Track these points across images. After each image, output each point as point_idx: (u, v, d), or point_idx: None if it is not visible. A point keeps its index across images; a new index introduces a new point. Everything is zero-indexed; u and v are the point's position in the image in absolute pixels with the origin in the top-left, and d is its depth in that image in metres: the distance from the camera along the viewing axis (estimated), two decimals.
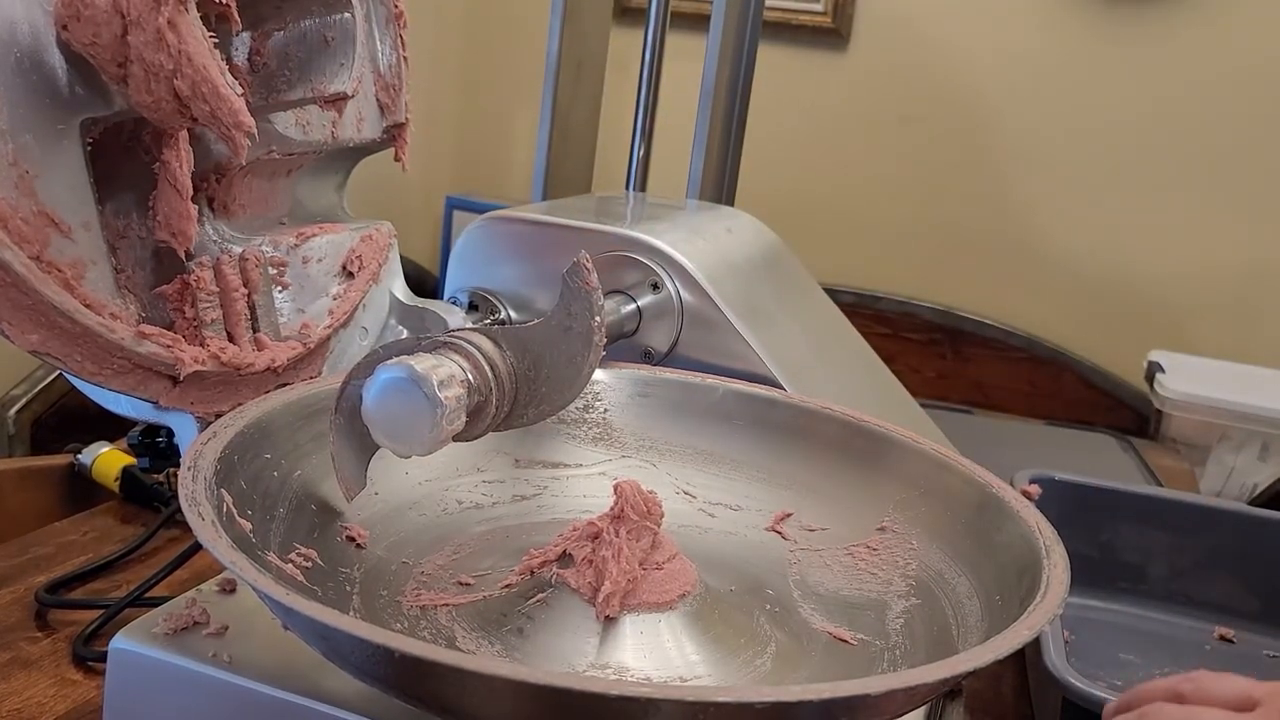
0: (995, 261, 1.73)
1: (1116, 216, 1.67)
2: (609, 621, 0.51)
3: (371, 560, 0.57)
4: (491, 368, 0.54)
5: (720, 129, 1.19)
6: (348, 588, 0.54)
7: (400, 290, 0.74)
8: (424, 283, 1.76)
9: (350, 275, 0.69)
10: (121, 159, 0.58)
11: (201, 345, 0.57)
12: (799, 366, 0.80)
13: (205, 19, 0.51)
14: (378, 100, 0.70)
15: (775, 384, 0.76)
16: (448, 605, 0.54)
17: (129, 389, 0.55)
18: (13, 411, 1.17)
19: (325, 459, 0.57)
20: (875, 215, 1.78)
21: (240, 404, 0.58)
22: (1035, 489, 0.73)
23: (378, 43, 0.68)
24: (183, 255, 0.57)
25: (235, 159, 0.52)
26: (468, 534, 0.62)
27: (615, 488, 0.56)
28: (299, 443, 0.58)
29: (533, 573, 0.55)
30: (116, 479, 0.88)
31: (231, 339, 0.59)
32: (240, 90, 0.51)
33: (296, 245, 0.66)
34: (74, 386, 0.57)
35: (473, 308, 0.85)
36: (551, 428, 0.69)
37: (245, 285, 0.60)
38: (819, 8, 1.78)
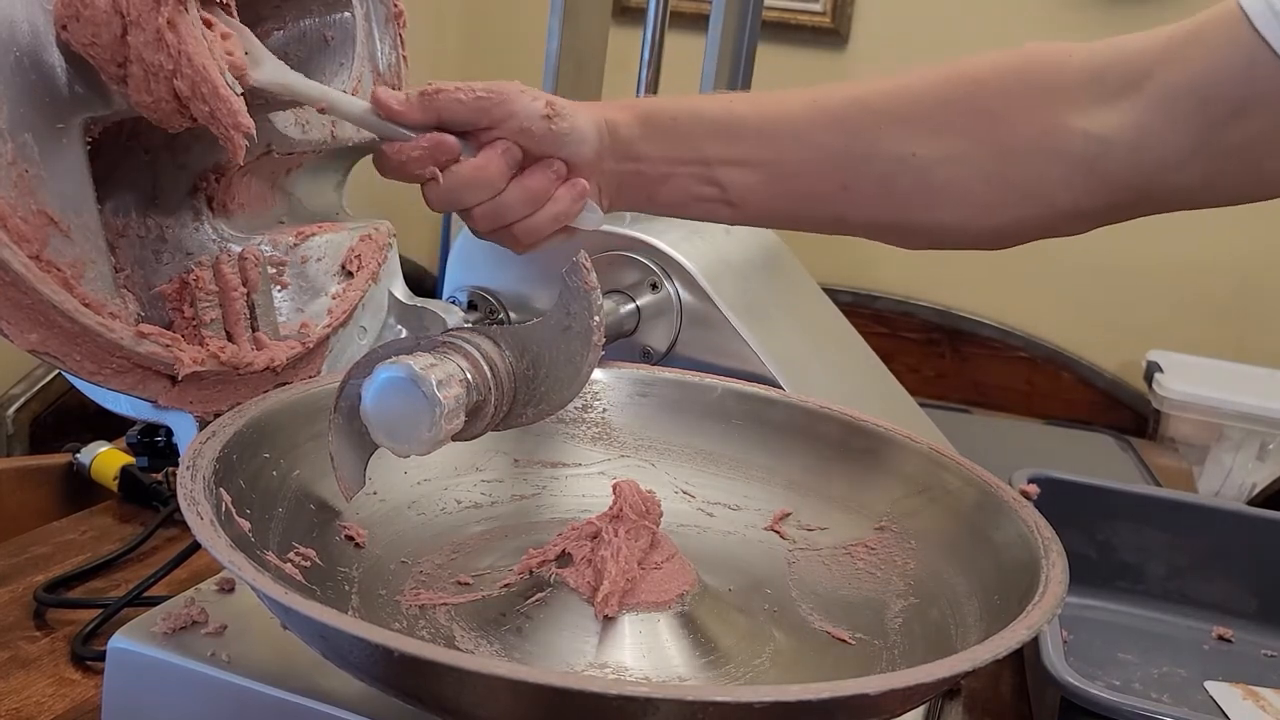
0: (993, 261, 1.73)
1: None
2: (608, 621, 0.51)
3: (370, 559, 0.57)
4: (490, 367, 0.54)
5: None
6: (346, 587, 0.54)
7: (399, 289, 0.74)
8: (423, 282, 1.76)
9: (349, 274, 0.69)
10: (121, 158, 0.58)
11: (200, 344, 0.57)
12: (797, 366, 0.81)
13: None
14: None
15: (774, 383, 0.76)
16: (446, 604, 0.54)
17: (128, 388, 0.55)
18: (11, 411, 1.17)
19: (324, 458, 0.57)
20: None
21: (239, 403, 0.58)
22: (1034, 488, 0.73)
23: (377, 42, 0.68)
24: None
25: (233, 159, 0.52)
26: (466, 533, 0.62)
27: (614, 487, 0.56)
28: (298, 442, 0.58)
29: (531, 572, 0.55)
30: (115, 478, 0.88)
31: (230, 338, 0.59)
32: (240, 90, 0.51)
33: (296, 244, 0.66)
34: (73, 386, 0.57)
35: (472, 307, 0.85)
36: (550, 427, 0.69)
37: (244, 284, 0.60)
38: (818, 8, 1.78)
